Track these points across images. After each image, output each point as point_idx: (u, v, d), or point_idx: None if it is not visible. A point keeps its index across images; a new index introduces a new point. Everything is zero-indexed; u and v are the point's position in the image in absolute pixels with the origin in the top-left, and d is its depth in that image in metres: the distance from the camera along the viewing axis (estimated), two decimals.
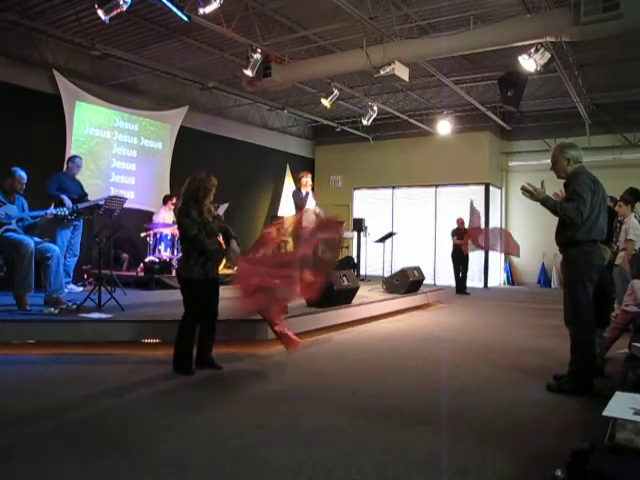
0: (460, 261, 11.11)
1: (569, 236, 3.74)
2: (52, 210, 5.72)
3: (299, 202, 7.81)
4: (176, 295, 7.11)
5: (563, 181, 3.94)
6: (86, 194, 7.05)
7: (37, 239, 5.51)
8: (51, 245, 5.64)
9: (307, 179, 7.92)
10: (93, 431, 2.95)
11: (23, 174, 5.51)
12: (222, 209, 10.22)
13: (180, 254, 4.05)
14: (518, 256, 11.10)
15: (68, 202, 6.49)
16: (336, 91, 10.22)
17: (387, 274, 9.69)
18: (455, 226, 11.20)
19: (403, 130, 13.98)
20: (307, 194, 7.90)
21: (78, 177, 7.15)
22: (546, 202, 3.74)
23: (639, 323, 4.35)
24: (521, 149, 13.87)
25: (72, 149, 9.29)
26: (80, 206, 6.66)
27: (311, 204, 8.04)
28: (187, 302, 4.25)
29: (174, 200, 9.32)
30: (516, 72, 8.92)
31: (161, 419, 3.16)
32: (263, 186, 13.89)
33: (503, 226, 13.89)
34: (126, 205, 7.29)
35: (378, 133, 14.36)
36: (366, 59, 8.17)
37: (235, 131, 13.06)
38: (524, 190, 3.80)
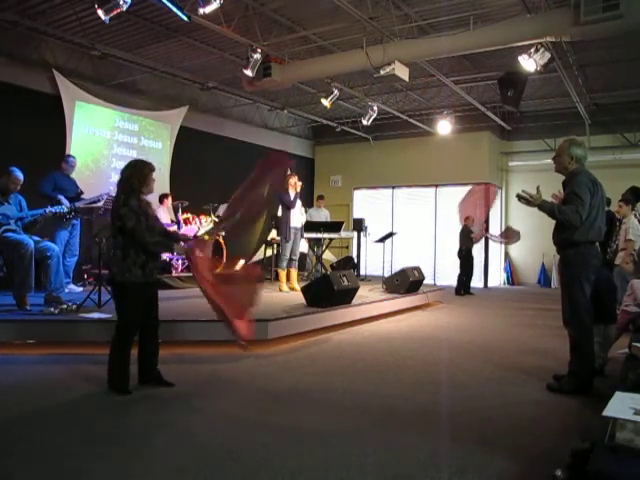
0: (469, 262, 11.02)
1: (566, 236, 3.75)
2: (51, 208, 5.71)
3: (288, 203, 7.85)
4: (176, 295, 7.15)
5: (560, 181, 3.94)
6: (82, 192, 7.05)
7: (36, 238, 5.50)
8: (51, 244, 5.63)
9: (294, 180, 7.95)
10: (93, 431, 2.95)
11: (19, 175, 5.41)
12: (222, 209, 10.23)
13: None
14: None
15: (66, 202, 6.49)
16: (336, 91, 10.21)
17: (387, 274, 9.68)
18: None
19: (403, 130, 13.97)
20: (296, 195, 7.94)
21: (73, 176, 7.16)
22: (543, 207, 3.72)
23: (639, 323, 4.34)
24: (521, 149, 13.86)
25: (72, 149, 9.26)
26: (78, 205, 6.66)
27: (298, 205, 8.08)
28: (122, 310, 3.71)
29: (170, 199, 9.33)
30: (516, 72, 8.91)
31: (161, 419, 3.16)
32: None
33: (503, 226, 13.93)
34: None
35: (378, 133, 14.35)
36: (366, 59, 8.16)
37: (235, 131, 13.05)
38: (520, 197, 3.78)
